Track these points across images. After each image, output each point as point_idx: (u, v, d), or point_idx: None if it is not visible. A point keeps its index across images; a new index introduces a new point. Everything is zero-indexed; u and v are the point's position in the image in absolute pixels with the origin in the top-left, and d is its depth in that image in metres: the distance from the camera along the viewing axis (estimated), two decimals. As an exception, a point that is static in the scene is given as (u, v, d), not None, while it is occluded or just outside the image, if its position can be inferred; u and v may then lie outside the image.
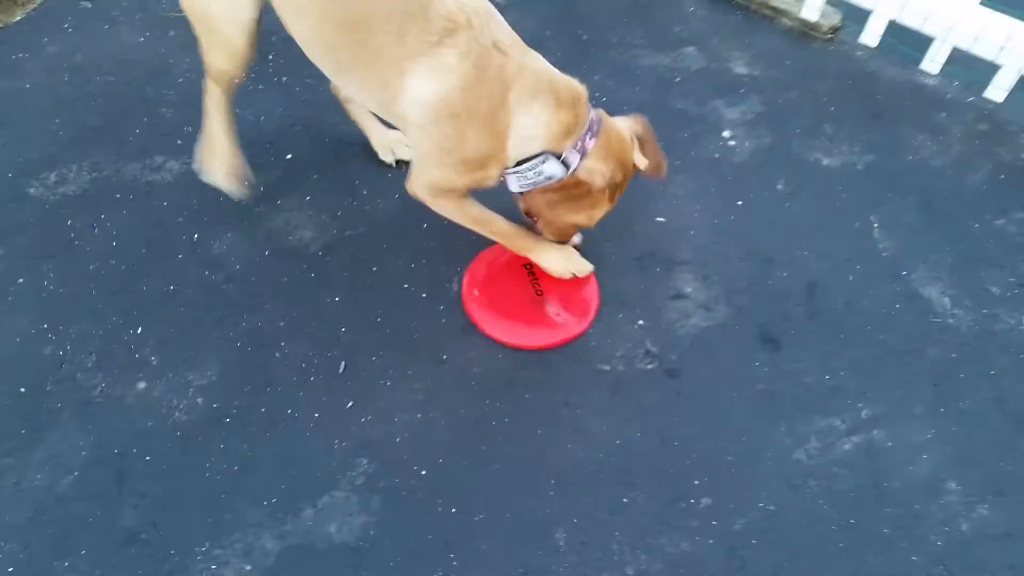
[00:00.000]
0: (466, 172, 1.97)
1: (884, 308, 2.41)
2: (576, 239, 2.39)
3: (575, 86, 1.97)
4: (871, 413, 2.21)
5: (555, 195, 2.06)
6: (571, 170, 1.98)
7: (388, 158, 2.63)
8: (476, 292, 2.34)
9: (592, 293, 2.38)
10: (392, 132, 2.58)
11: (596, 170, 2.00)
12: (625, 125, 2.09)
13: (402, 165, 2.63)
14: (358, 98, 2.30)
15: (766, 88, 2.95)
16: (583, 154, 1.97)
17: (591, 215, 2.16)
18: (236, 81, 2.32)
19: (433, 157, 1.98)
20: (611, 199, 2.15)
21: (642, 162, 2.11)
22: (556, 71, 1.98)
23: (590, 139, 1.96)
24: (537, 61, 1.96)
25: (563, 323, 2.31)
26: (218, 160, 2.42)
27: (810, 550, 1.96)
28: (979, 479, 2.09)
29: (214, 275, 2.37)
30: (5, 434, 2.06)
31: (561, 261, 2.32)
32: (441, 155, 1.95)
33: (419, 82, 1.86)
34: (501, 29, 1.91)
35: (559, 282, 2.35)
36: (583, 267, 2.35)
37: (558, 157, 1.96)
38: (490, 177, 2.00)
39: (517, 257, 2.36)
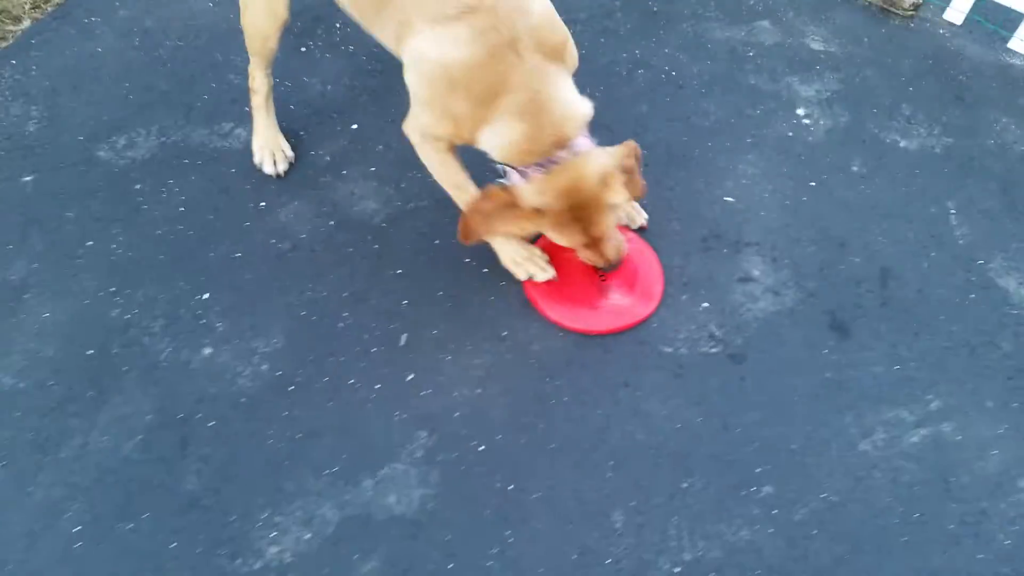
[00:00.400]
0: (447, 126, 1.99)
1: (958, 298, 2.34)
2: (642, 218, 2.35)
3: (562, 126, 1.90)
4: (941, 405, 2.14)
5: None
6: (510, 183, 1.98)
7: None
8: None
9: (656, 277, 2.34)
10: None
11: (526, 193, 1.94)
12: (606, 160, 1.94)
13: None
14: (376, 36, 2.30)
15: (843, 65, 2.85)
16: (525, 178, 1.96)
17: (521, 227, 2.00)
18: (272, 45, 2.39)
19: (423, 104, 2.01)
20: (569, 225, 1.99)
21: (619, 196, 1.97)
22: (562, 96, 1.91)
23: (536, 171, 1.92)
24: (547, 78, 1.89)
25: (627, 307, 2.28)
26: (260, 139, 2.56)
27: (872, 543, 1.92)
28: (1052, 479, 2.02)
29: (280, 243, 2.39)
30: (72, 396, 2.10)
31: (513, 256, 2.28)
32: (430, 105, 1.99)
33: (426, 44, 1.89)
34: (529, 25, 1.87)
35: (623, 266, 2.30)
36: (539, 272, 2.27)
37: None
38: (465, 139, 2.02)
39: None
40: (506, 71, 1.85)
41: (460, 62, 1.84)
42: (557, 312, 2.26)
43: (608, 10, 3.05)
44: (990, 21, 2.96)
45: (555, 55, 1.92)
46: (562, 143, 1.91)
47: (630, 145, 1.99)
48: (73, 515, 1.91)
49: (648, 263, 2.34)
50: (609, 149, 1.97)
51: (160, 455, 2.01)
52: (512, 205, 1.93)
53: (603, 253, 2.05)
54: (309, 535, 1.89)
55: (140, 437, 2.03)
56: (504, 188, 1.95)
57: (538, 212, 1.92)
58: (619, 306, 2.28)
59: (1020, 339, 2.26)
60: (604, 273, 2.28)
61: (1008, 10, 2.84)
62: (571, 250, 2.15)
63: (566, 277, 2.30)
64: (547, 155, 1.91)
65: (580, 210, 1.93)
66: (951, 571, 1.88)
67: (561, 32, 1.97)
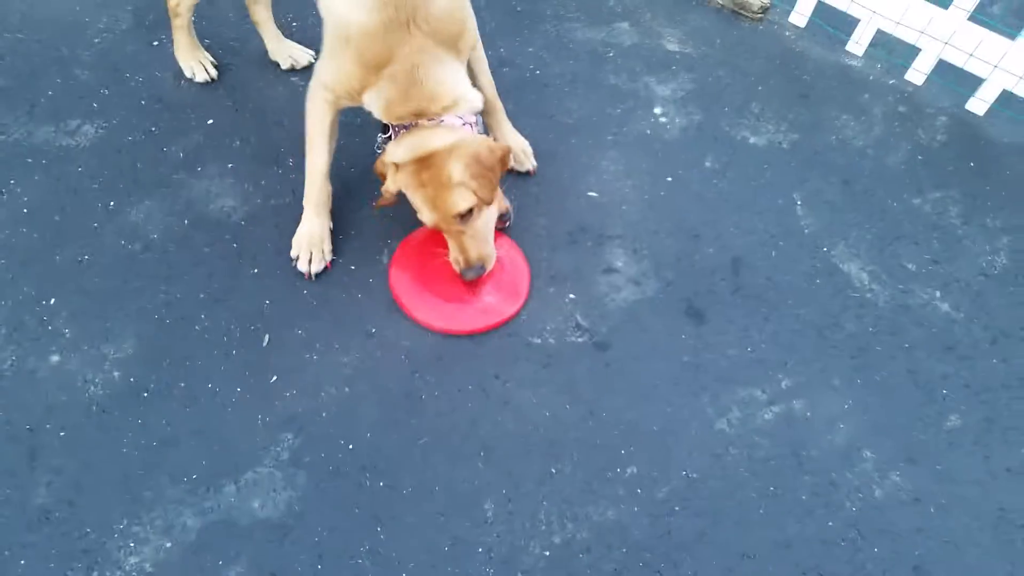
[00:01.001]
0: (340, 79, 2.11)
1: (805, 283, 2.48)
2: (530, 163, 2.51)
3: (429, 100, 2.06)
4: (791, 384, 2.27)
5: None
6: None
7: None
8: (402, 277, 2.31)
9: (523, 274, 2.37)
10: (288, 41, 2.77)
11: (390, 147, 2.13)
12: (460, 138, 2.08)
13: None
14: None
15: (697, 66, 2.98)
16: (393, 136, 2.16)
17: (390, 182, 2.15)
18: None
19: (325, 53, 2.16)
20: (418, 189, 2.11)
21: (462, 174, 2.06)
22: (438, 76, 2.07)
23: (400, 130, 2.12)
24: (428, 59, 2.04)
25: (494, 305, 2.30)
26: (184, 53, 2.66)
27: (732, 516, 2.01)
28: (892, 448, 2.17)
29: (131, 244, 2.29)
30: (-95, 410, 1.95)
31: (303, 235, 2.33)
32: (330, 56, 2.13)
33: (338, 1, 2.04)
34: (428, 11, 2.00)
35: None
36: (317, 261, 2.32)
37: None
38: (354, 98, 2.15)
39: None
40: (395, 44, 1.99)
41: (358, 25, 1.98)
42: (423, 312, 2.26)
43: (474, 7, 3.08)
44: (830, 25, 3.16)
45: (447, 42, 2.06)
46: (424, 114, 2.07)
47: (501, 145, 2.14)
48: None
49: (514, 261, 2.37)
50: (475, 136, 2.09)
51: (7, 468, 1.89)
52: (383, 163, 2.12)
53: (463, 247, 2.12)
54: (169, 544, 1.82)
55: (-19, 452, 1.91)
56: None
57: (395, 166, 2.08)
58: (486, 304, 2.30)
59: (862, 320, 2.42)
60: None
61: (845, 15, 3.04)
62: (442, 249, 2.21)
63: (433, 275, 2.30)
64: (411, 119, 2.06)
65: (426, 172, 2.05)
66: (804, 539, 1.99)
67: (458, 24, 2.09)
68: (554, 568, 1.89)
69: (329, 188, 2.32)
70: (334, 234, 2.36)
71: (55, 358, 2.07)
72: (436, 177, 2.04)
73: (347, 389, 2.11)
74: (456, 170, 2.03)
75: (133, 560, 1.80)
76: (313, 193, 2.29)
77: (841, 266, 2.53)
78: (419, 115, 2.08)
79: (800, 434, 2.18)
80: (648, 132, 2.78)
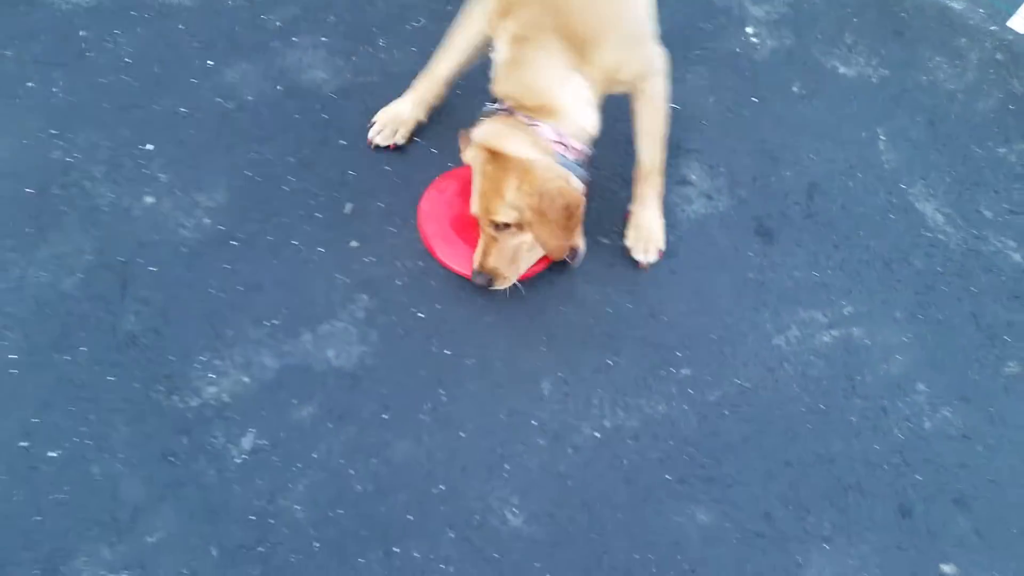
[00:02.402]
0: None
1: (878, 216, 2.48)
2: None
3: (538, 95, 1.89)
4: (853, 311, 2.29)
5: None
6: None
7: None
8: (432, 221, 2.20)
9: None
10: None
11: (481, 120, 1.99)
12: (532, 160, 1.88)
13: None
14: None
15: (794, -11, 2.93)
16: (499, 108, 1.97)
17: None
18: None
19: None
20: (474, 176, 2.00)
21: (514, 197, 1.91)
22: (542, 72, 1.88)
23: (495, 109, 1.96)
24: (540, 47, 1.86)
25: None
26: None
27: (779, 426, 2.07)
28: (946, 384, 2.19)
29: (226, 103, 2.36)
30: (10, 230, 2.07)
31: (389, 110, 2.33)
32: None
33: None
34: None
35: None
36: (386, 136, 2.32)
37: None
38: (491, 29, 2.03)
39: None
40: (517, 8, 1.85)
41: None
42: (453, 259, 2.16)
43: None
44: (935, -35, 3.08)
45: (572, 39, 1.85)
46: (522, 106, 1.89)
47: (574, 194, 1.88)
48: (8, 343, 1.91)
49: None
50: (555, 167, 1.89)
51: (99, 293, 2.01)
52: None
53: (486, 251, 2.01)
54: (247, 379, 1.94)
55: (79, 275, 2.02)
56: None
57: (468, 140, 1.96)
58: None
59: (931, 259, 2.42)
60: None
61: (953, -45, 2.96)
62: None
63: (463, 221, 2.19)
64: (511, 104, 1.90)
65: (491, 165, 1.90)
66: (848, 457, 2.04)
67: (593, 30, 1.86)
68: (602, 448, 1.97)
69: (441, 92, 2.29)
70: (421, 136, 2.39)
71: (150, 199, 2.17)
72: (495, 181, 1.89)
73: (420, 263, 2.18)
74: (511, 191, 1.88)
75: (212, 390, 1.91)
76: (421, 86, 2.28)
77: (917, 204, 2.52)
78: (518, 105, 1.89)
79: (856, 359, 2.21)
80: (737, 50, 2.76)
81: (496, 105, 1.95)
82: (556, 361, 2.09)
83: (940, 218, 2.50)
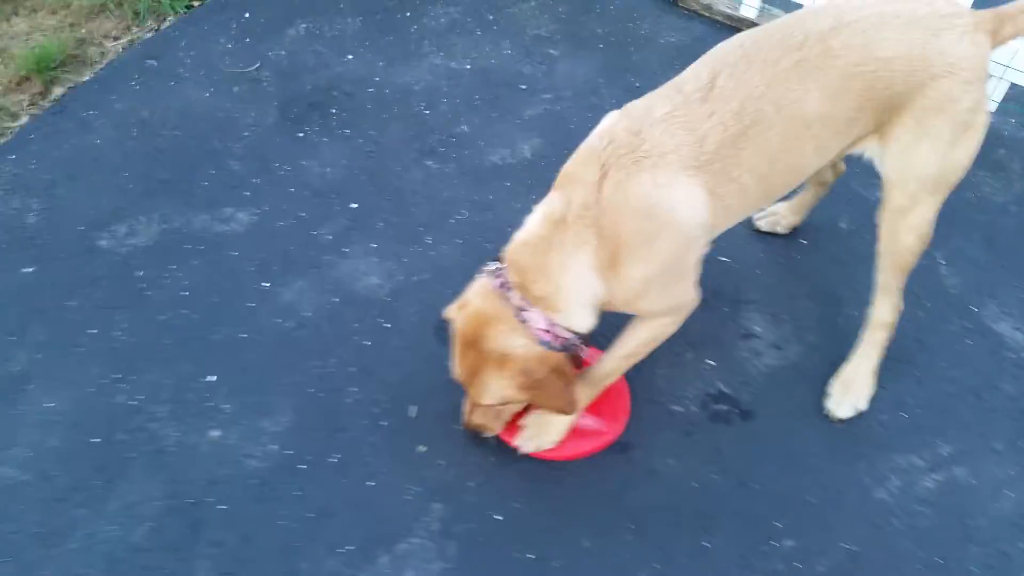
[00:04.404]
0: None
1: (956, 344, 2.38)
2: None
3: (541, 284, 1.79)
4: (951, 450, 2.16)
5: None
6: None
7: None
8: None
9: (622, 391, 2.23)
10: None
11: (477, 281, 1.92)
12: (513, 345, 1.81)
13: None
14: None
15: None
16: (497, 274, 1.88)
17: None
18: None
19: None
20: (463, 354, 1.90)
21: (503, 386, 1.86)
22: (571, 274, 1.77)
23: (489, 275, 1.88)
24: (573, 244, 1.75)
25: (596, 429, 2.16)
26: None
27: (900, 593, 1.91)
28: (1068, 517, 2.03)
29: (285, 322, 2.39)
30: (78, 485, 2.06)
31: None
32: None
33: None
34: (627, 194, 1.72)
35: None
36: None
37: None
38: None
39: None
40: (576, 181, 1.76)
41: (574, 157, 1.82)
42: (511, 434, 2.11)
43: (593, 86, 3.17)
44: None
45: (613, 243, 1.74)
46: (524, 290, 1.80)
47: (553, 356, 1.81)
48: (82, 609, 1.86)
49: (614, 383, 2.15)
50: (533, 349, 1.79)
51: (171, 542, 1.96)
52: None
53: (472, 411, 2.00)
54: (329, 615, 1.85)
55: (149, 524, 1.99)
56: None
57: (460, 307, 1.88)
58: (586, 430, 2.15)
59: (1020, 381, 2.30)
60: None
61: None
62: None
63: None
64: (514, 280, 1.81)
65: (473, 351, 1.84)
66: (979, 616, 1.87)
67: (636, 229, 1.73)
68: (715, 646, 1.82)
69: None
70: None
71: (215, 433, 2.17)
72: (475, 366, 1.84)
73: (492, 459, 2.12)
74: (494, 383, 1.83)
75: (294, 632, 1.83)
76: None
77: (993, 326, 2.43)
78: (521, 285, 1.79)
79: (964, 502, 2.07)
80: (777, 196, 2.77)
81: (495, 267, 1.85)
82: (647, 550, 1.97)
83: (1020, 336, 2.40)
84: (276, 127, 2.95)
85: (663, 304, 1.92)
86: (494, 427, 2.05)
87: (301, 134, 2.93)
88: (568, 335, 1.83)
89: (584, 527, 2.01)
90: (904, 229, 2.05)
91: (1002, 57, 2.87)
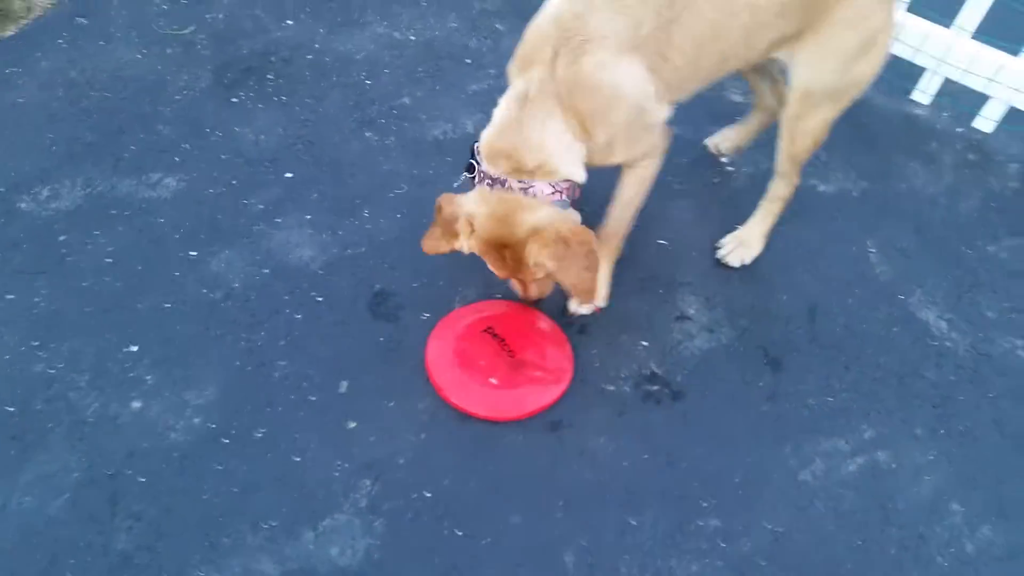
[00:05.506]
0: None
1: (883, 331, 2.43)
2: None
3: (534, 153, 1.93)
4: (874, 435, 2.21)
5: None
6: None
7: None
8: (440, 358, 2.22)
9: (563, 342, 2.30)
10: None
11: (465, 204, 2.04)
12: (547, 218, 1.95)
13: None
14: None
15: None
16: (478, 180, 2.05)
17: (451, 239, 2.08)
18: None
19: None
20: (493, 254, 2.05)
21: (542, 258, 1.96)
22: (552, 136, 1.93)
23: (485, 185, 2.01)
24: (545, 111, 1.91)
25: (545, 380, 2.21)
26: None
27: (819, 571, 1.95)
28: (981, 501, 2.10)
29: (212, 293, 2.33)
30: (-8, 455, 1.98)
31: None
32: None
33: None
34: (583, 63, 1.86)
35: (530, 341, 2.27)
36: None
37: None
38: None
39: (478, 323, 2.29)
40: (535, 54, 1.90)
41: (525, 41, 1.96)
42: (460, 398, 2.16)
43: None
44: (893, 74, 3.16)
45: (574, 111, 1.90)
46: (519, 169, 1.94)
47: (586, 233, 1.96)
48: (-9, 582, 1.79)
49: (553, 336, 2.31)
50: (561, 215, 1.97)
51: (88, 514, 1.90)
52: (454, 214, 2.01)
53: (526, 290, 2.18)
54: (249, 591, 1.81)
55: (67, 495, 1.92)
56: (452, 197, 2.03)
57: (470, 227, 1.99)
58: (536, 379, 2.21)
59: (942, 369, 2.36)
60: (512, 350, 2.24)
61: (910, 64, 3.04)
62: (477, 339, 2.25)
63: (474, 360, 2.21)
64: (503, 171, 1.95)
65: (508, 250, 1.98)
66: (894, 596, 1.92)
67: (602, 104, 1.91)
68: (639, 622, 1.84)
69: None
70: (407, 280, 2.40)
71: (137, 404, 2.10)
72: (517, 257, 1.98)
73: (423, 436, 2.10)
74: (534, 254, 1.95)
75: (213, 607, 1.79)
76: None
77: (918, 314, 2.48)
78: (514, 169, 1.94)
79: (885, 486, 2.11)
80: (716, 180, 2.79)
81: (483, 172, 1.99)
82: (576, 528, 1.97)
83: (943, 325, 2.46)
84: (209, 92, 2.86)
85: (635, 153, 2.09)
86: (546, 291, 2.23)
87: (235, 100, 2.84)
88: (569, 185, 2.00)
89: (514, 504, 2.00)
90: (801, 133, 2.27)
91: (936, 51, 2.93)
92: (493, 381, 2.17)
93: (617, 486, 2.05)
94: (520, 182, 1.95)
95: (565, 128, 1.92)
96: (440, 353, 2.22)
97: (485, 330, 2.27)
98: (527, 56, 1.94)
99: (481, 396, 2.15)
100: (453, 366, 2.19)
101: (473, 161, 2.04)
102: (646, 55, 1.90)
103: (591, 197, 2.22)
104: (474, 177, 2.03)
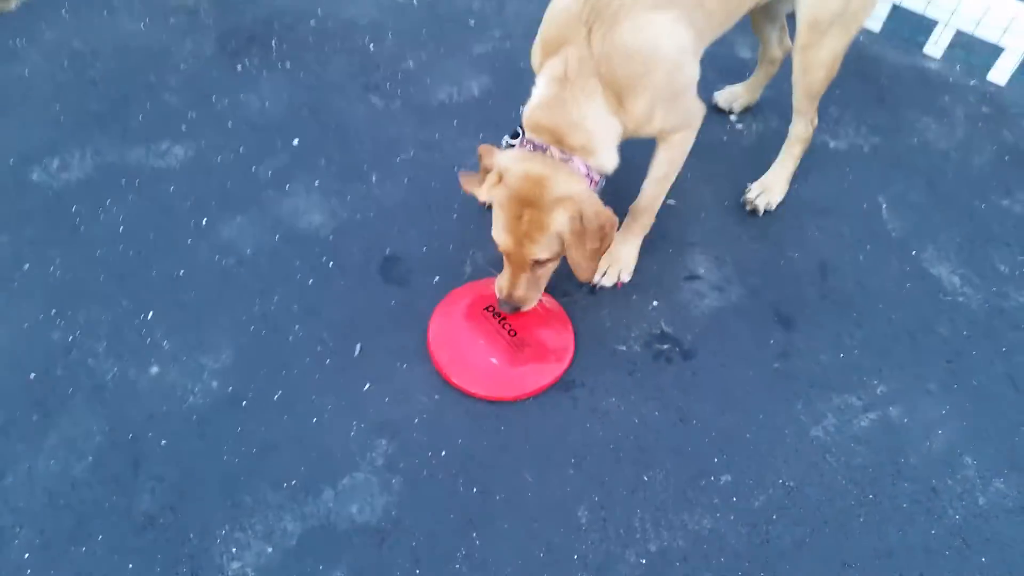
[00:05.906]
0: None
1: (895, 287, 2.43)
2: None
3: (574, 128, 1.96)
4: (886, 390, 2.21)
5: None
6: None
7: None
8: (442, 339, 2.21)
9: (566, 327, 2.28)
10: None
11: (500, 158, 2.04)
12: (575, 192, 1.94)
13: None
14: None
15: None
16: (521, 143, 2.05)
17: (479, 186, 2.07)
18: None
19: None
20: (510, 211, 2.01)
21: (563, 227, 1.95)
22: (592, 113, 1.96)
23: (526, 145, 2.02)
24: (584, 92, 1.94)
25: (546, 359, 2.20)
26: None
27: (831, 525, 1.97)
28: (994, 454, 2.10)
29: (224, 259, 2.34)
30: (16, 420, 2.02)
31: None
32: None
33: None
34: (616, 35, 1.90)
35: (531, 320, 2.24)
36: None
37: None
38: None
39: (479, 301, 2.27)
40: (567, 37, 1.93)
41: (550, 22, 2.00)
42: (474, 384, 2.15)
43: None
44: (906, 28, 3.11)
45: (613, 87, 1.93)
46: (562, 142, 1.97)
47: (608, 214, 1.97)
48: (21, 542, 1.83)
49: (555, 316, 2.29)
50: (590, 193, 1.97)
51: (112, 476, 1.94)
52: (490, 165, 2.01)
53: (514, 283, 2.06)
54: (271, 549, 1.84)
55: (90, 459, 1.96)
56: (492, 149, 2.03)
57: (499, 177, 1.97)
58: (537, 357, 2.20)
59: (956, 324, 2.36)
60: (514, 329, 2.22)
61: (922, 17, 3.00)
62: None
63: (475, 339, 2.21)
64: (547, 140, 1.97)
65: (529, 209, 1.94)
66: (906, 547, 1.93)
67: (635, 81, 1.93)
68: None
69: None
70: (416, 244, 2.40)
71: (155, 369, 2.13)
72: (536, 219, 1.93)
73: (437, 396, 2.12)
74: (559, 220, 1.93)
75: (235, 565, 1.82)
76: None
77: (931, 269, 2.48)
78: (557, 140, 1.96)
79: (898, 440, 2.12)
80: (725, 139, 2.77)
81: (526, 138, 2.01)
82: (589, 484, 2.00)
83: (956, 280, 2.45)
84: (214, 60, 2.86)
85: (673, 121, 2.10)
86: (532, 298, 2.12)
87: (240, 67, 2.84)
88: (598, 178, 2.04)
89: (527, 462, 2.02)
90: (814, 64, 2.32)
91: (948, 3, 2.89)
92: (494, 361, 2.17)
93: (629, 443, 2.07)
94: (562, 152, 1.97)
95: (606, 107, 1.96)
96: (441, 332, 2.22)
97: (487, 308, 2.26)
98: (555, 38, 1.96)
99: (481, 376, 2.14)
100: (454, 345, 2.19)
101: (519, 128, 2.07)
102: (681, 8, 1.96)
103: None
104: (515, 144, 2.05)
